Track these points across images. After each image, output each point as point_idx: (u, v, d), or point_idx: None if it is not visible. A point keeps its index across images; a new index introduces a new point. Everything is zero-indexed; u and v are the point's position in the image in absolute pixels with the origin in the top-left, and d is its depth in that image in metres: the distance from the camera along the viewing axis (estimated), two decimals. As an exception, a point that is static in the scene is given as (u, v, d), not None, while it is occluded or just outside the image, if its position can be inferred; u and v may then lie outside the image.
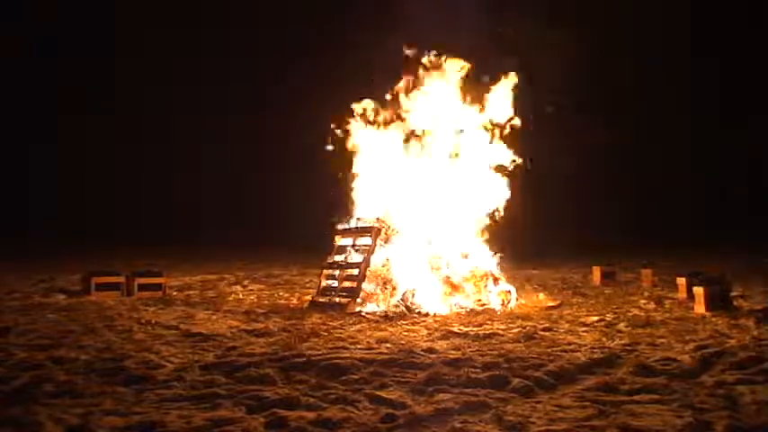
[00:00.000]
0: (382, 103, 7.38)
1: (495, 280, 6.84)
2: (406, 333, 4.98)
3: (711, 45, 21.91)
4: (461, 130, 7.24)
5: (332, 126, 7.41)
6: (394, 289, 6.51)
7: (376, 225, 6.81)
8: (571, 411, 2.90)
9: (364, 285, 6.48)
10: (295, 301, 7.09)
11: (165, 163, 23.46)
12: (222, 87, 24.02)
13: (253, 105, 23.58)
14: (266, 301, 7.07)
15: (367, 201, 7.24)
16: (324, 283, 6.88)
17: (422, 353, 4.07)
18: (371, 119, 7.34)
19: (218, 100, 24.00)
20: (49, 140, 23.20)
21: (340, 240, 7.16)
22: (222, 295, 7.57)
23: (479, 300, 6.57)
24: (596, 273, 9.09)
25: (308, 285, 8.55)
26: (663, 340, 4.53)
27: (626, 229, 19.63)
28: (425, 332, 5.01)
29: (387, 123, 7.32)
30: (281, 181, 22.94)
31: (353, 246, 6.87)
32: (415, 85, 7.31)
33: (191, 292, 7.84)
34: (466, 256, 6.92)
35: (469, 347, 4.32)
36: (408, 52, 7.27)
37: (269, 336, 4.81)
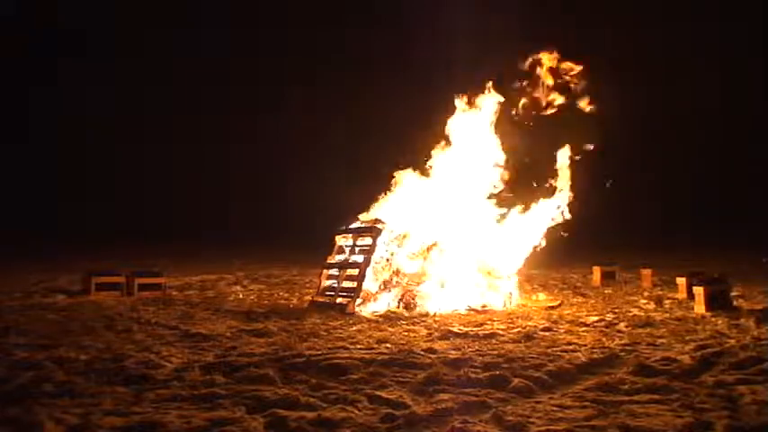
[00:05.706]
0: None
1: (499, 280, 6.84)
2: (406, 333, 4.97)
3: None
4: None
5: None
6: (394, 289, 6.51)
7: (376, 226, 6.81)
8: (571, 411, 2.89)
9: (365, 285, 6.47)
10: (295, 301, 7.08)
11: (166, 163, 23.49)
12: (222, 87, 24.05)
13: (252, 106, 23.61)
14: (266, 301, 7.06)
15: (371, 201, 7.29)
16: (324, 283, 6.88)
17: (422, 353, 4.06)
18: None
19: (218, 99, 24.03)
20: (49, 140, 23.22)
21: (340, 240, 7.16)
22: (222, 295, 7.57)
23: (479, 300, 6.57)
24: (596, 273, 9.09)
25: (308, 285, 8.55)
26: (663, 340, 4.53)
27: (626, 229, 19.61)
28: (425, 332, 5.00)
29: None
30: (281, 181, 22.94)
31: (354, 246, 6.86)
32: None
33: (191, 292, 7.84)
34: (467, 256, 6.92)
35: (469, 347, 4.32)
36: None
37: (269, 336, 4.80)
